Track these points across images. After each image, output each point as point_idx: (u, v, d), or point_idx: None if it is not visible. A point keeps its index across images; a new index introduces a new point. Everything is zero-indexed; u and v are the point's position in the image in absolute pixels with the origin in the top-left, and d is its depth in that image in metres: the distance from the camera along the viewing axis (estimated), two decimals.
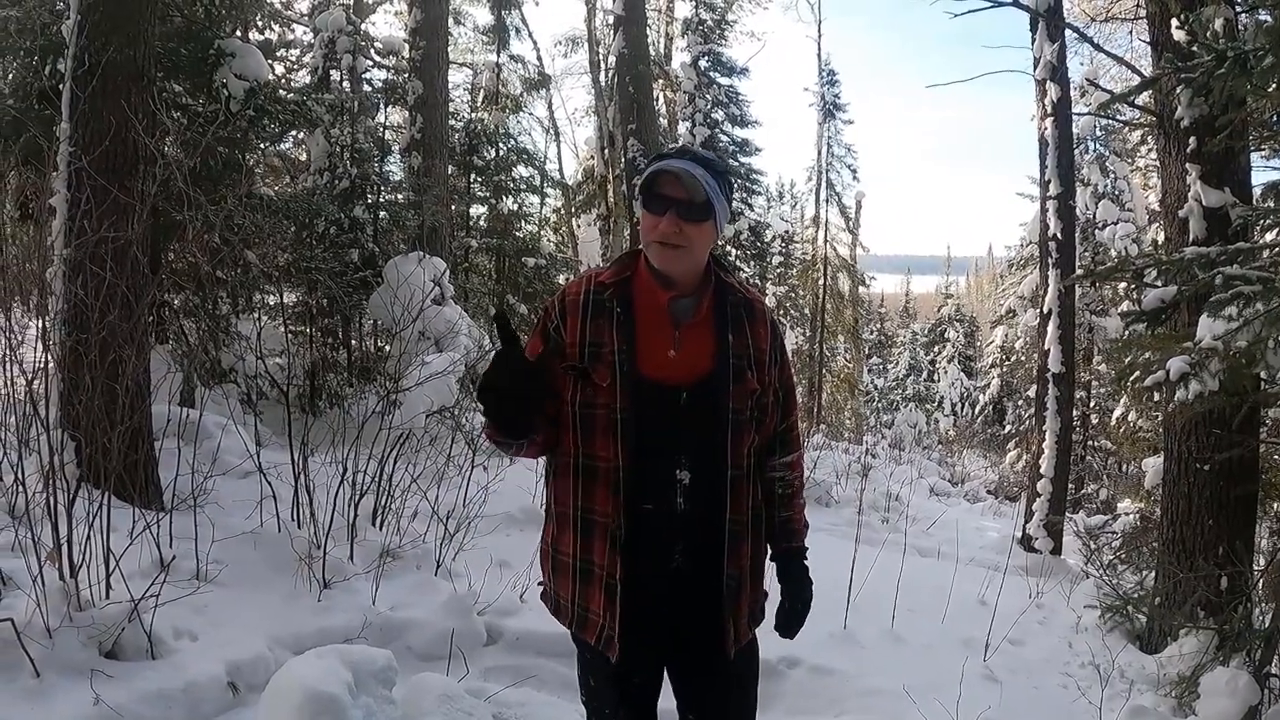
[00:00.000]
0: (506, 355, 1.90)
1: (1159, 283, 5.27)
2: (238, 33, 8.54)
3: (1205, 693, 3.86)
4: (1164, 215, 5.88)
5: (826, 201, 26.31)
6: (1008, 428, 22.51)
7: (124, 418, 3.81)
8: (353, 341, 10.25)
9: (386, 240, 10.14)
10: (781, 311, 23.27)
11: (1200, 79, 4.20)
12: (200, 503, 4.41)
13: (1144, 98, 5.74)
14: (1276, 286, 3.85)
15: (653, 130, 14.43)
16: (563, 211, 20.48)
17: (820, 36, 25.34)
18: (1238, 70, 3.87)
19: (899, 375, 36.90)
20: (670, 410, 2.04)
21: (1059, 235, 8.80)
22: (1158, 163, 6.08)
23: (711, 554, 2.09)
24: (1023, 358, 21.03)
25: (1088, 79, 13.36)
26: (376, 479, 5.05)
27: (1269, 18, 4.93)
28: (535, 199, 16.65)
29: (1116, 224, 16.95)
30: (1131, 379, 5.05)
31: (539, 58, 19.96)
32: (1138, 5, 8.86)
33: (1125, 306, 14.59)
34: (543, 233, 16.65)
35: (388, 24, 16.94)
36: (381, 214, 10.20)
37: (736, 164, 19.44)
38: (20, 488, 3.62)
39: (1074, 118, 9.23)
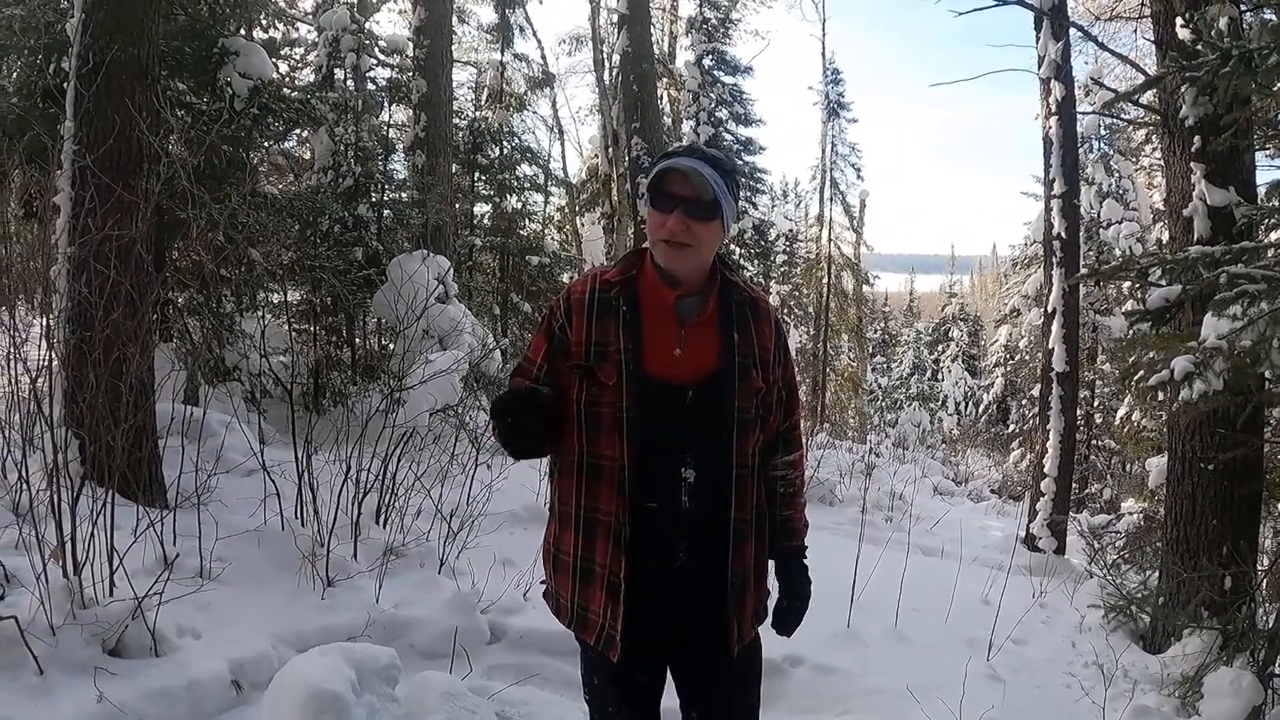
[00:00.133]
0: (528, 396, 1.94)
1: (1163, 282, 5.26)
2: (242, 31, 8.52)
3: (1209, 693, 3.86)
4: (1168, 214, 5.86)
5: (831, 200, 26.25)
6: (1011, 427, 22.47)
7: (128, 416, 3.81)
8: (356, 340, 10.26)
9: (390, 238, 10.15)
10: (785, 310, 23.23)
11: (1205, 78, 4.19)
12: (204, 501, 4.41)
13: (1148, 96, 5.73)
14: None
15: (657, 129, 14.44)
16: (567, 210, 20.44)
17: (825, 35, 25.29)
18: (1243, 69, 3.86)
19: (903, 374, 36.92)
20: (676, 409, 2.04)
21: (1063, 234, 8.78)
22: (1162, 162, 6.07)
23: (716, 553, 2.09)
24: (1027, 357, 21.00)
25: (1092, 78, 13.29)
26: (380, 477, 5.05)
27: (1274, 16, 4.92)
28: (539, 197, 16.64)
29: (1121, 223, 16.92)
30: (1136, 378, 5.04)
31: (543, 56, 20.00)
32: (1142, 4, 8.82)
33: (1130, 306, 14.54)
34: (547, 231, 16.63)
35: (392, 22, 16.97)
36: (385, 212, 10.20)
37: (740, 163, 19.42)
38: (24, 485, 3.63)
39: (1078, 116, 9.20)
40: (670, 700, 2.25)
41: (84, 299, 4.15)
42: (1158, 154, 11.68)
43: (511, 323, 13.77)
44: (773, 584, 2.30)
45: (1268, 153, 5.80)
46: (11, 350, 3.92)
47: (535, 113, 19.34)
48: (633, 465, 2.01)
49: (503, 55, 16.11)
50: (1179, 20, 5.31)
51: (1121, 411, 13.90)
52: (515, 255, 14.05)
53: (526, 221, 15.19)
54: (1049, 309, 8.99)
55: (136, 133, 4.91)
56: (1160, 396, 5.11)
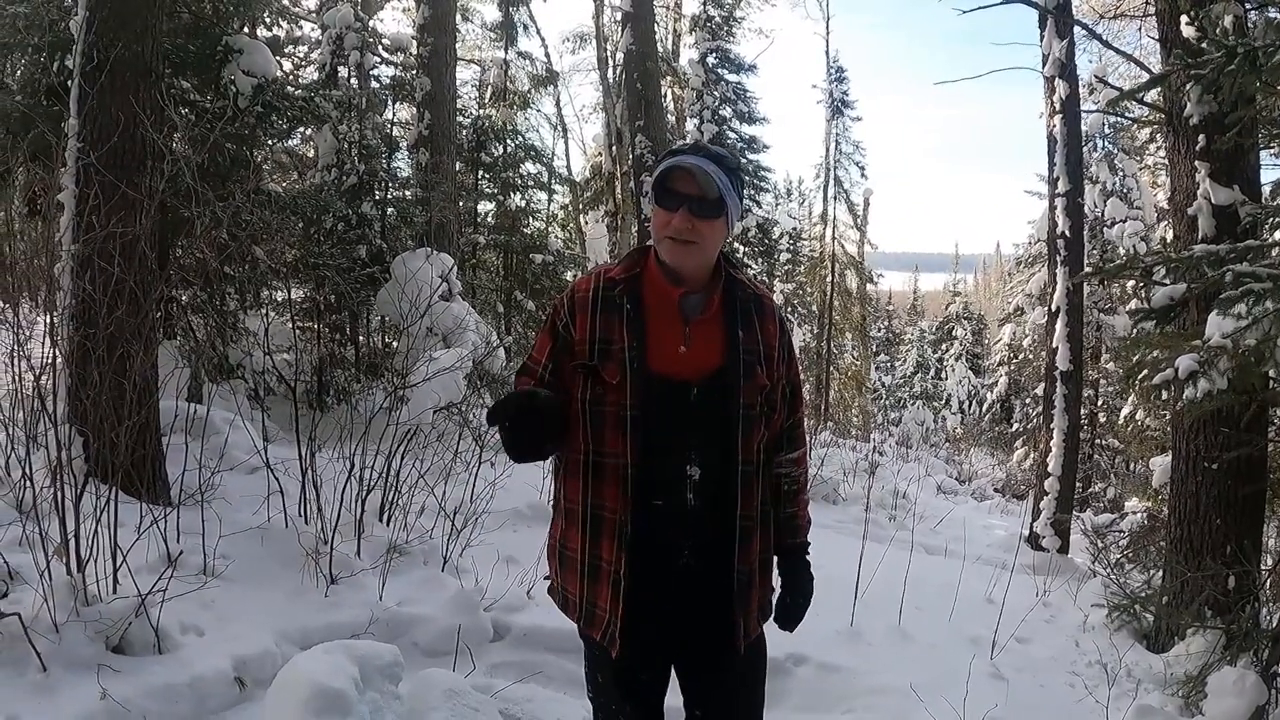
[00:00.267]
0: (528, 396, 1.94)
1: (1168, 280, 5.25)
2: (245, 29, 8.53)
3: (1212, 692, 3.85)
4: (1173, 213, 5.85)
5: (834, 198, 26.29)
6: (1015, 426, 22.42)
7: (131, 413, 3.81)
8: (360, 337, 10.28)
9: (394, 236, 10.17)
10: (789, 309, 23.23)
11: (1210, 76, 4.17)
12: (207, 498, 4.41)
13: (1153, 95, 5.72)
14: None
15: (661, 127, 14.39)
16: (570, 208, 20.45)
17: (829, 33, 25.34)
18: (1247, 67, 3.85)
19: (907, 373, 36.91)
20: (680, 406, 2.04)
21: (1067, 233, 8.78)
22: (1166, 160, 6.06)
23: (721, 550, 2.09)
24: (1030, 355, 20.97)
25: (1096, 76, 13.32)
26: (384, 475, 5.05)
27: (1279, 14, 4.91)
28: (543, 195, 16.66)
29: (1125, 221, 16.87)
30: (1140, 377, 5.03)
31: (547, 54, 19.99)
32: (1146, 2, 8.82)
33: (1134, 304, 14.51)
34: (550, 229, 16.64)
35: (395, 20, 16.92)
36: (389, 210, 10.22)
37: (744, 161, 19.43)
38: (28, 483, 3.63)
39: (1083, 115, 9.21)
40: (674, 699, 2.25)
41: (88, 296, 4.15)
42: (1162, 152, 11.69)
43: (515, 321, 13.79)
44: (775, 581, 2.30)
45: (1273, 151, 5.78)
46: (16, 347, 3.92)
47: (539, 111, 19.49)
48: (637, 463, 2.01)
49: (506, 53, 16.13)
50: (1184, 18, 5.30)
51: (1125, 410, 13.90)
52: (519, 253, 14.06)
53: (530, 219, 15.23)
54: (1053, 307, 8.98)
55: (140, 130, 4.91)
56: (1164, 395, 5.09)
